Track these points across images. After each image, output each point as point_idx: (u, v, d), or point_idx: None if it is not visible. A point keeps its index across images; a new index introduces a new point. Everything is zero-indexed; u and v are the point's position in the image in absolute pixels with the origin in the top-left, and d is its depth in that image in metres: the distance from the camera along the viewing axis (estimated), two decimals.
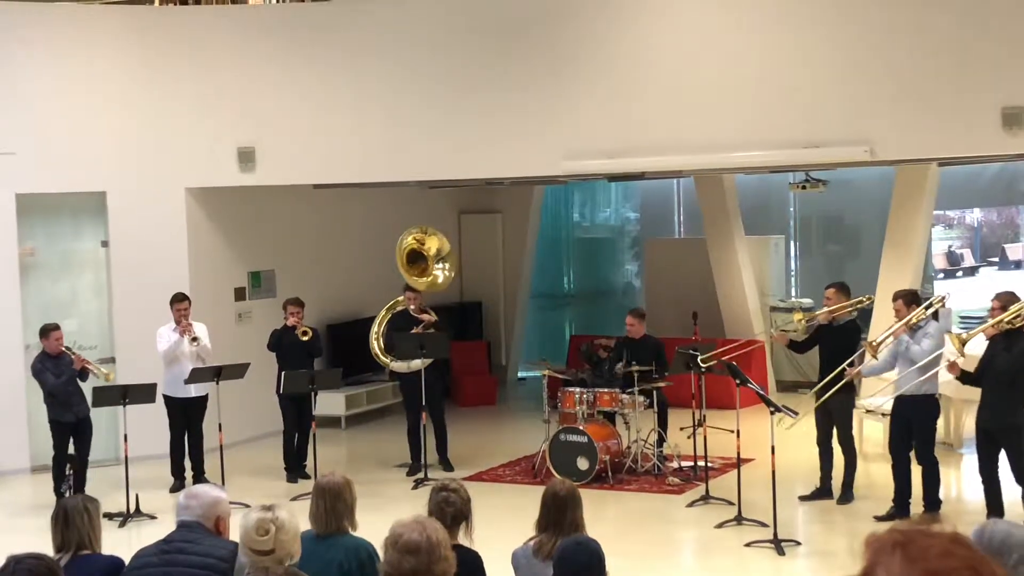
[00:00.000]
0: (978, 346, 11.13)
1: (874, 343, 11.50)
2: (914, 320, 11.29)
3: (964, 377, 11.02)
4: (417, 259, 14.06)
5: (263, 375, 14.01)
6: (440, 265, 14.04)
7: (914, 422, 11.36)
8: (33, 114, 14.74)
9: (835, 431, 12.13)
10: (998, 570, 2.20)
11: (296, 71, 14.82)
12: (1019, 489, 10.73)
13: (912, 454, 11.44)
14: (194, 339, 13.44)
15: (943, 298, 12.16)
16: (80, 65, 15.04)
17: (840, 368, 11.66)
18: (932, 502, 11.36)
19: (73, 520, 6.14)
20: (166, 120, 15.12)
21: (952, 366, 10.84)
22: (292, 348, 13.89)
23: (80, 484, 12.47)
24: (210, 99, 15.08)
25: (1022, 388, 10.73)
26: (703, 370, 12.50)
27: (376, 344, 14.43)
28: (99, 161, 14.97)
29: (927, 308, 11.44)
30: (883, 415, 12.02)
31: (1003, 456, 10.86)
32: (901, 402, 11.40)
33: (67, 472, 12.65)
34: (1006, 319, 10.57)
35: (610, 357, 13.99)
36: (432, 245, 14.09)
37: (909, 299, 11.51)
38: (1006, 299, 10.79)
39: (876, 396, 13.17)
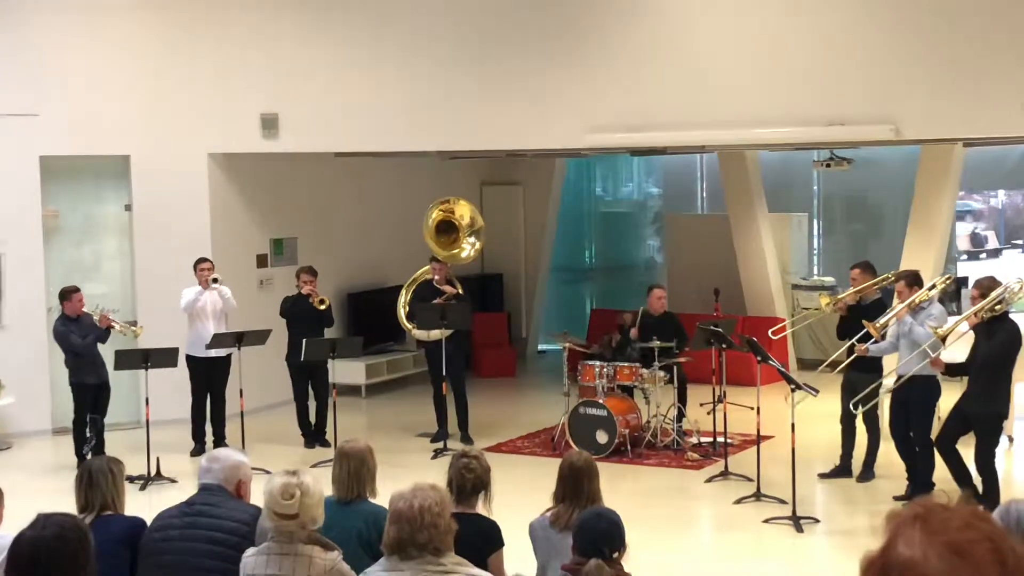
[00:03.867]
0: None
1: (877, 324, 11.28)
2: (917, 301, 11.19)
3: (950, 369, 10.92)
4: (449, 229, 14.05)
5: (284, 342, 14.06)
6: (471, 239, 14.02)
7: (912, 403, 11.29)
8: (57, 77, 14.78)
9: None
10: (1017, 546, 2.21)
11: (321, 39, 14.81)
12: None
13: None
14: (214, 279, 13.49)
15: (947, 279, 12.08)
16: (104, 29, 15.06)
17: (849, 343, 11.62)
18: (923, 484, 11.24)
19: (97, 481, 6.18)
20: (190, 85, 15.14)
21: (936, 361, 10.75)
22: (305, 316, 13.90)
23: (100, 447, 12.56)
24: (234, 65, 15.08)
25: (1003, 377, 10.63)
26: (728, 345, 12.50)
27: (402, 310, 14.48)
28: (123, 125, 15.00)
29: (930, 289, 11.34)
30: (888, 391, 12.00)
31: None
32: (901, 383, 11.35)
33: (88, 435, 12.74)
34: (985, 307, 10.39)
35: (628, 327, 14.03)
36: (463, 212, 14.06)
37: (911, 280, 11.34)
38: (985, 286, 10.57)
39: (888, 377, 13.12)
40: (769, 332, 12.92)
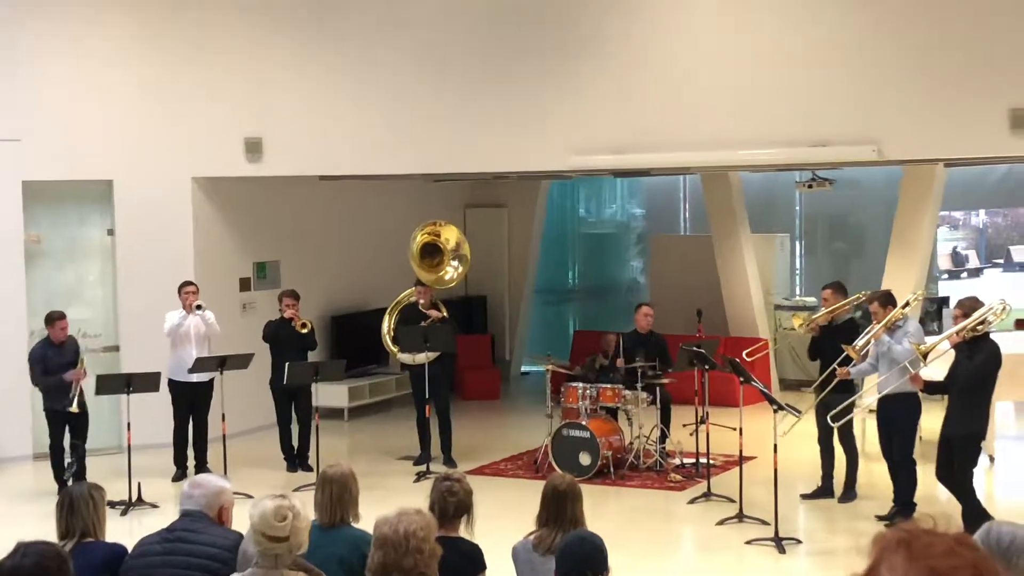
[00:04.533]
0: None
1: (855, 347, 11.30)
2: (893, 320, 11.20)
3: (929, 387, 10.93)
4: (433, 252, 13.99)
5: (266, 366, 14.01)
6: (455, 263, 13.97)
7: (894, 421, 11.32)
8: (40, 101, 14.75)
9: (836, 429, 12.08)
10: (1001, 573, 2.20)
11: (305, 62, 14.81)
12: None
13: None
14: (198, 306, 13.41)
15: (918, 294, 12.06)
16: (88, 52, 15.05)
17: (831, 368, 11.64)
18: (905, 505, 11.27)
19: (78, 507, 6.14)
20: (173, 109, 15.13)
21: (915, 378, 10.76)
22: (288, 340, 13.85)
23: (81, 473, 12.48)
24: (218, 89, 15.08)
25: (983, 397, 10.61)
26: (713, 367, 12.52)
27: (387, 334, 14.44)
28: (106, 149, 14.98)
29: (904, 307, 11.35)
30: (871, 411, 11.99)
31: None
32: (883, 402, 11.33)
33: (69, 460, 12.66)
34: (968, 327, 10.37)
35: (611, 355, 14.04)
36: (450, 236, 14.01)
37: (885, 300, 11.38)
38: (968, 306, 10.55)
39: (868, 396, 13.14)
40: (744, 354, 12.92)
